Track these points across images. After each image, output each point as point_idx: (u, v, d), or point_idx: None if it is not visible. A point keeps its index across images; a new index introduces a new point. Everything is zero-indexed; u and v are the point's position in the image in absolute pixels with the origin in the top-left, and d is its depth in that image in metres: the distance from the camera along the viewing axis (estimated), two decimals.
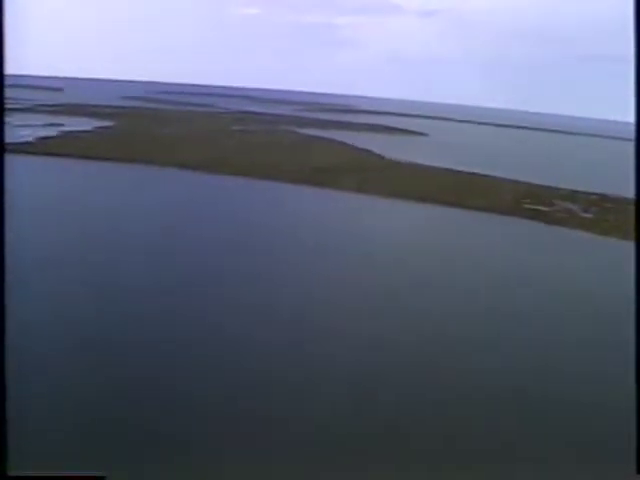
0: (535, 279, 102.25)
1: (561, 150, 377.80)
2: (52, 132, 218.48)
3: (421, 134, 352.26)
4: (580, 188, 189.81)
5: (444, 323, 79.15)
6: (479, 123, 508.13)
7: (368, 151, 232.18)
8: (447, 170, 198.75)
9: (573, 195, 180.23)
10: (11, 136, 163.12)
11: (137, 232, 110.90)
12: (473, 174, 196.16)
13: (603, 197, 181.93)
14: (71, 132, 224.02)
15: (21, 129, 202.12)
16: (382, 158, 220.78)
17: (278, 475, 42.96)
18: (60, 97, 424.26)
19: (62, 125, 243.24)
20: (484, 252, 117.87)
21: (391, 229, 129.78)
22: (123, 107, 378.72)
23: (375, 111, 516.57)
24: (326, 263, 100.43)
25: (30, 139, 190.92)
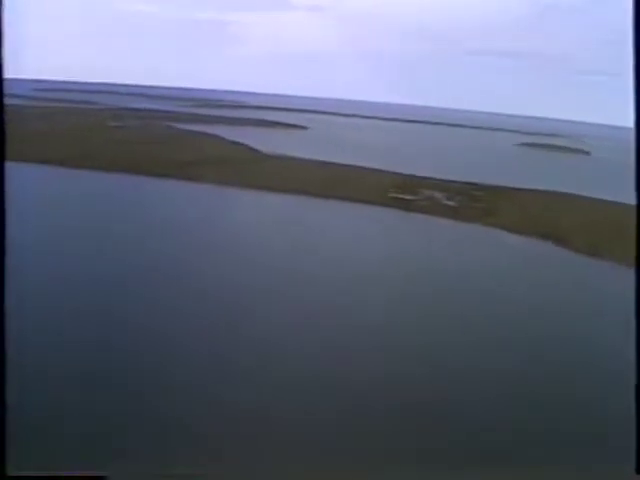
0: (384, 262, 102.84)
1: (442, 141, 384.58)
2: None
3: (302, 127, 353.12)
4: (456, 178, 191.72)
5: (306, 310, 78.42)
6: (362, 117, 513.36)
7: (242, 144, 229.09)
8: (318, 162, 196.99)
9: (443, 184, 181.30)
10: None
11: None
12: (344, 165, 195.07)
13: (473, 186, 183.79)
14: None
15: None
16: (255, 151, 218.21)
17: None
18: None
19: None
20: (339, 238, 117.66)
21: (248, 219, 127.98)
22: None
23: (260, 106, 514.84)
24: (181, 253, 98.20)
25: None
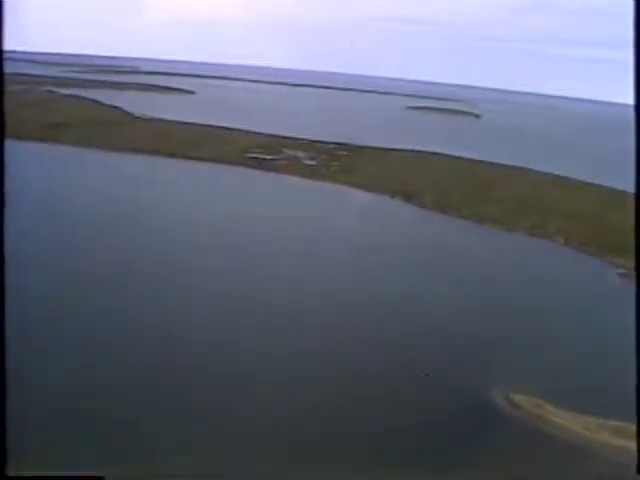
0: (227, 221, 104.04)
1: (325, 104, 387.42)
2: None
3: (189, 92, 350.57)
4: (329, 139, 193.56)
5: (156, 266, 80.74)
6: (255, 81, 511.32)
7: (117, 108, 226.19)
8: (185, 123, 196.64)
9: (309, 144, 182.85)
10: None
11: None
12: (211, 127, 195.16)
13: (342, 146, 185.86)
14: None
15: None
16: (127, 114, 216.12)
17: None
18: None
19: None
20: (188, 198, 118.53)
21: (100, 180, 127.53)
22: None
23: (155, 71, 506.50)
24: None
25: None
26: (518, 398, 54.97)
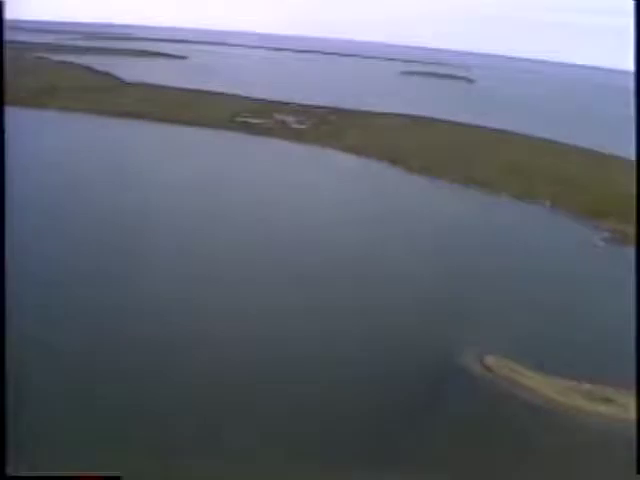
0: (209, 182, 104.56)
1: (323, 69, 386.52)
2: None
3: (181, 57, 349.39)
4: (323, 103, 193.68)
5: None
6: (253, 47, 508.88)
7: (108, 74, 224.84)
8: (177, 89, 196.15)
9: (299, 109, 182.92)
10: None
11: None
12: (201, 91, 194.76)
13: (332, 110, 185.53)
14: None
15: None
16: (117, 79, 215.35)
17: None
18: None
19: None
20: (167, 157, 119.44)
21: (88, 143, 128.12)
22: None
23: (145, 37, 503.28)
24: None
25: None
26: (490, 360, 55.06)
